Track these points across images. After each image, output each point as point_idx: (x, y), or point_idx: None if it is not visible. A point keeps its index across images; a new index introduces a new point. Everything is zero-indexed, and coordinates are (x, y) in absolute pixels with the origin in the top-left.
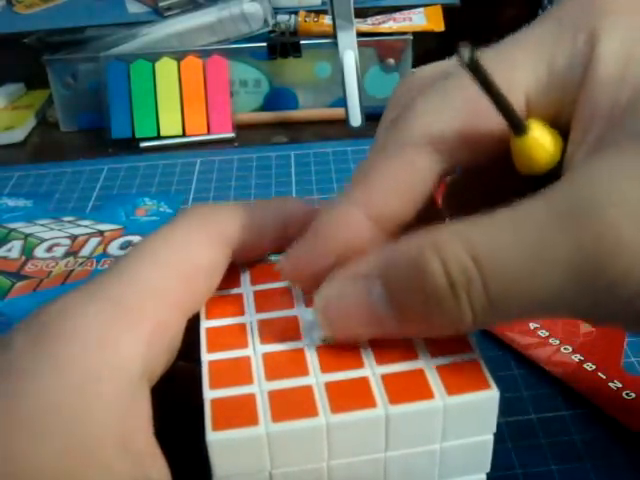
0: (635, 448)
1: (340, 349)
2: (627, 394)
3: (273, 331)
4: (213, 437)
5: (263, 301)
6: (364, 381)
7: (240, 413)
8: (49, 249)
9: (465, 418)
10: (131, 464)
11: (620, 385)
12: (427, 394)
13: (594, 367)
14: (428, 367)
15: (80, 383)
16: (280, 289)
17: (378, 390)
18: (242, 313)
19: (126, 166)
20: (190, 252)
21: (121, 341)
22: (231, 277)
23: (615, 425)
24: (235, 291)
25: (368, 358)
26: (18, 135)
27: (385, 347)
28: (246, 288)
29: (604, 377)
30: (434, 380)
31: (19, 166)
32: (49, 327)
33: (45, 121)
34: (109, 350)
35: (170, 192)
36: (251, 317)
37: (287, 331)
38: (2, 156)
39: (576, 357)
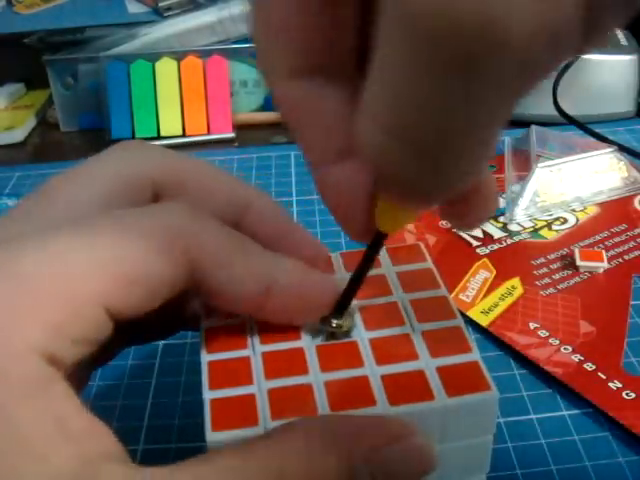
0: (635, 448)
1: (340, 349)
2: (627, 394)
3: (273, 331)
4: (213, 437)
5: None
6: (364, 381)
7: (240, 413)
8: None
9: (465, 419)
10: (75, 447)
11: (620, 385)
12: (427, 395)
13: (594, 367)
14: (428, 368)
15: None
16: None
17: (378, 391)
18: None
19: None
20: (131, 253)
21: (22, 324)
22: None
23: (615, 425)
24: None
25: (368, 358)
26: (18, 135)
27: (385, 348)
28: None
29: (604, 377)
30: (434, 381)
31: (19, 166)
32: None
33: (45, 121)
34: (9, 334)
35: None
36: (251, 318)
37: (287, 331)
38: (2, 156)
39: (576, 357)
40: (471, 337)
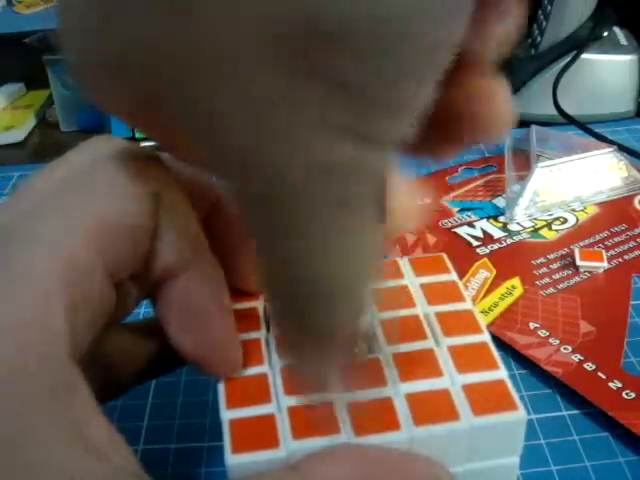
0: (635, 448)
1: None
2: (627, 394)
3: None
4: (233, 461)
5: None
6: (388, 402)
7: (260, 434)
8: None
9: (491, 439)
10: (96, 461)
11: (620, 385)
12: (452, 415)
13: (594, 367)
14: (454, 386)
15: (4, 378)
16: None
17: (402, 411)
18: (259, 328)
19: None
20: (105, 205)
21: (37, 321)
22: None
23: (615, 425)
24: (251, 305)
25: (392, 376)
26: (18, 135)
27: (409, 364)
28: (263, 301)
29: (604, 377)
30: (460, 400)
31: (19, 166)
32: None
33: (45, 121)
34: (27, 332)
35: None
36: (267, 331)
37: None
38: (2, 156)
39: (576, 357)
40: (498, 354)
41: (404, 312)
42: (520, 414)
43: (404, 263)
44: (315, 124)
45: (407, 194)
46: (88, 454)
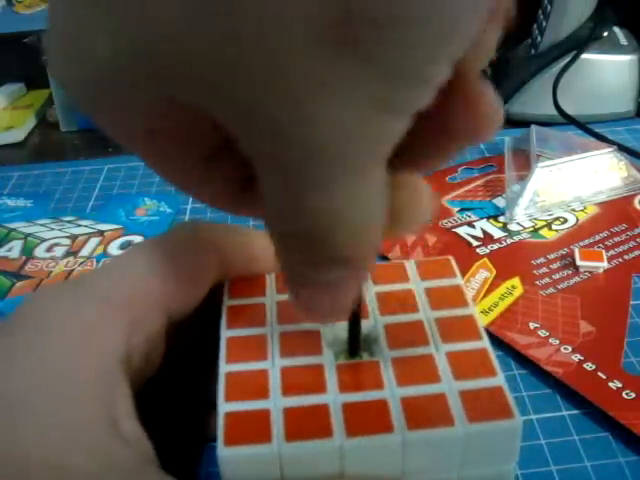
0: (635, 448)
1: (361, 368)
2: (627, 394)
3: (294, 345)
4: (224, 452)
5: (286, 313)
6: (383, 404)
7: (253, 429)
8: (49, 249)
9: (485, 447)
10: (125, 446)
11: (620, 385)
12: (447, 420)
13: (594, 367)
14: (450, 391)
15: (62, 366)
16: None
17: (396, 414)
18: (264, 324)
19: (126, 166)
20: (175, 257)
21: (101, 328)
22: (255, 285)
23: (615, 425)
24: (258, 300)
25: (389, 379)
26: (18, 135)
27: (408, 368)
28: (270, 298)
29: (604, 377)
30: (455, 405)
31: (19, 166)
32: (26, 316)
33: (45, 121)
34: (90, 335)
35: (170, 192)
36: (273, 329)
37: (308, 345)
38: (2, 156)
39: (576, 357)
40: (496, 360)
41: (407, 317)
42: (515, 422)
43: (411, 265)
44: (353, 98)
45: (416, 195)
46: (120, 440)
